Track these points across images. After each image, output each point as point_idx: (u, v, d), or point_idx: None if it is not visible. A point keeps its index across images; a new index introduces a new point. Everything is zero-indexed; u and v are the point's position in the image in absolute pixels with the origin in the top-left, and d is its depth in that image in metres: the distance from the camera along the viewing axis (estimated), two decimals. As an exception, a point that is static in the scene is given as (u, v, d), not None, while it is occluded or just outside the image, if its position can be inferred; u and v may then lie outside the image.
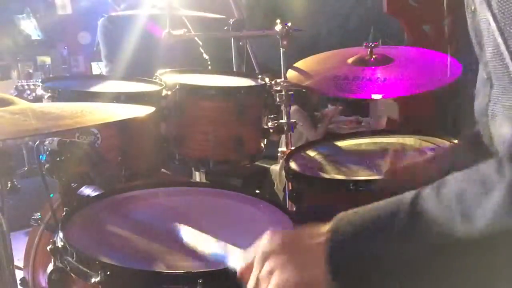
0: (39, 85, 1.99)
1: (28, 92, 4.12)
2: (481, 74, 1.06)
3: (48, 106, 1.49)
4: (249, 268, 0.91)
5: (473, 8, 1.02)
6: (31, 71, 5.64)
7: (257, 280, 0.88)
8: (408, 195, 0.81)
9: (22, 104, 1.29)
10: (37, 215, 1.83)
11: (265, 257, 0.87)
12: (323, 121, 3.82)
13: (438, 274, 0.77)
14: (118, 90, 2.04)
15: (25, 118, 1.16)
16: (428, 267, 0.77)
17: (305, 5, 4.34)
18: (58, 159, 1.46)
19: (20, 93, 4.13)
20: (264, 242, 0.89)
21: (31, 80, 4.54)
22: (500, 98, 0.96)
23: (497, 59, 0.91)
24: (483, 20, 0.95)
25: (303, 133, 3.61)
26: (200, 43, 3.40)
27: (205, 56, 3.46)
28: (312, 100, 3.85)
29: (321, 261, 0.81)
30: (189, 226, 1.34)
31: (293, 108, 2.28)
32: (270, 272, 0.85)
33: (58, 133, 1.46)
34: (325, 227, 0.86)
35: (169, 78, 2.13)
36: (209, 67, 3.36)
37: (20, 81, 4.60)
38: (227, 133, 2.03)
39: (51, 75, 5.35)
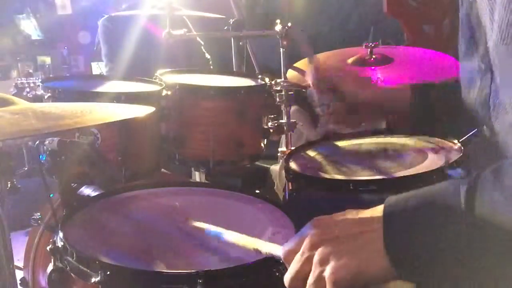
0: (39, 85, 1.99)
1: (28, 90, 4.12)
2: (474, 66, 1.05)
3: (48, 106, 1.49)
4: (294, 252, 0.88)
5: None
6: (31, 71, 5.65)
7: (302, 267, 0.85)
8: (462, 181, 0.79)
9: (22, 104, 1.29)
10: (37, 215, 1.83)
11: (316, 245, 0.84)
12: (322, 121, 3.81)
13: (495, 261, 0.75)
14: (118, 90, 2.04)
15: (25, 118, 1.16)
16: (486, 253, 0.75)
17: (305, 5, 4.34)
18: (58, 159, 1.47)
19: (19, 91, 4.13)
20: (312, 229, 0.86)
21: (31, 78, 4.54)
22: (503, 89, 0.96)
23: (502, 48, 0.90)
24: (485, 8, 0.94)
25: (303, 133, 3.60)
26: (202, 43, 3.41)
27: (207, 56, 3.45)
28: (313, 101, 3.84)
29: (379, 248, 0.80)
30: (189, 226, 1.34)
31: (293, 108, 2.28)
32: (324, 260, 0.82)
33: (58, 133, 1.46)
34: (374, 212, 0.84)
35: (169, 78, 2.13)
36: (211, 67, 3.37)
37: (20, 78, 4.60)
38: (227, 133, 2.03)
39: (51, 75, 5.35)
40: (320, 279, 0.82)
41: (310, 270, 0.84)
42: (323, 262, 0.82)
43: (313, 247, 0.84)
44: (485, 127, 1.06)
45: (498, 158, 1.01)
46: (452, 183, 0.80)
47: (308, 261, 0.85)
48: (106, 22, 3.49)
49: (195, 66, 2.92)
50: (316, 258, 0.83)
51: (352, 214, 0.88)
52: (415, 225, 0.79)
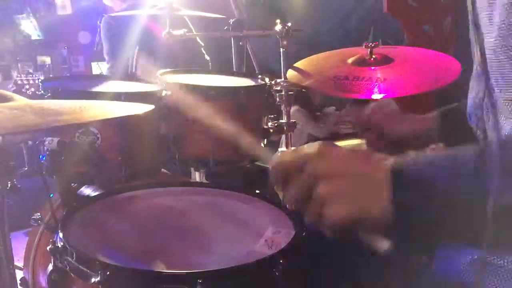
0: (39, 84, 1.99)
1: (27, 87, 4.12)
2: (474, 68, 1.06)
3: (47, 103, 1.49)
4: (284, 168, 0.86)
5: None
6: (31, 71, 5.65)
7: (302, 192, 0.83)
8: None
9: (21, 100, 1.29)
10: (37, 215, 1.83)
11: (321, 179, 0.81)
12: (327, 121, 3.81)
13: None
14: (118, 90, 2.04)
15: (23, 114, 1.16)
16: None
17: (305, 5, 4.34)
18: (58, 159, 1.46)
19: (18, 87, 4.13)
20: (313, 152, 0.83)
21: (30, 75, 4.54)
22: (498, 90, 0.96)
23: (500, 49, 0.90)
24: (484, 9, 0.95)
25: (303, 133, 3.60)
26: (202, 44, 3.41)
27: (207, 57, 3.45)
28: (314, 100, 3.85)
29: (384, 196, 0.78)
30: (189, 226, 1.34)
31: (294, 108, 2.28)
32: (327, 198, 0.80)
33: (57, 128, 1.46)
34: (385, 159, 0.82)
35: (169, 78, 2.13)
36: (210, 69, 3.36)
37: (19, 75, 4.61)
38: (227, 133, 2.02)
39: (51, 75, 5.35)
40: (319, 214, 0.81)
41: (309, 196, 0.82)
42: (326, 199, 0.81)
43: (318, 180, 0.81)
44: (478, 131, 1.06)
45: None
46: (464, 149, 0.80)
47: (308, 189, 0.82)
48: (108, 20, 3.50)
49: (194, 67, 2.92)
50: (319, 192, 0.81)
51: (360, 152, 0.86)
52: (424, 180, 0.78)
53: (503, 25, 0.89)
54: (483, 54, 0.98)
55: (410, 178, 0.79)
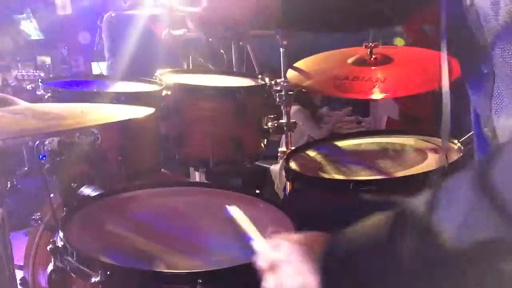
0: (39, 79, 1.99)
1: (27, 82, 4.12)
2: (476, 68, 1.05)
3: (48, 106, 1.49)
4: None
5: (468, 3, 1.01)
6: (31, 71, 5.64)
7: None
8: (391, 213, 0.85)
9: (22, 104, 1.29)
10: (37, 215, 1.83)
11: (273, 265, 0.95)
12: (328, 121, 3.82)
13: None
14: (118, 90, 2.04)
15: (25, 118, 1.16)
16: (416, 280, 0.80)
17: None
18: (58, 159, 1.47)
19: (19, 82, 4.13)
20: (277, 248, 0.96)
21: (31, 71, 4.54)
22: (505, 91, 0.96)
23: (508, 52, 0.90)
24: (487, 9, 0.94)
25: (304, 133, 3.61)
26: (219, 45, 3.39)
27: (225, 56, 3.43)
28: (315, 100, 3.85)
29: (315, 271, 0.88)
30: (189, 226, 1.35)
31: (294, 108, 2.28)
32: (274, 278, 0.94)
33: (58, 133, 1.46)
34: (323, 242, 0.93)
35: (169, 78, 2.13)
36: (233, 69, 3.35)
37: (20, 71, 4.60)
38: (227, 133, 2.03)
39: (51, 75, 5.35)
40: None
41: None
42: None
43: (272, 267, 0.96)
44: (486, 128, 1.06)
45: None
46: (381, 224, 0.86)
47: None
48: (110, 18, 3.51)
49: (215, 67, 2.91)
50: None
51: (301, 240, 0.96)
52: (347, 261, 0.87)
53: (507, 24, 0.89)
54: (488, 55, 0.98)
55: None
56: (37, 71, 4.79)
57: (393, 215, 0.85)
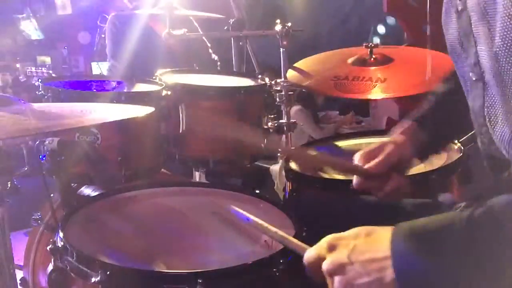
0: (40, 81, 2.00)
1: (36, 78, 4.14)
2: (466, 75, 1.05)
3: (48, 106, 1.49)
4: (313, 263, 0.98)
5: (460, 8, 1.01)
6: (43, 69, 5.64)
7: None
8: (461, 215, 0.87)
9: (22, 104, 1.29)
10: (37, 215, 1.83)
11: (332, 273, 0.93)
12: (329, 123, 3.82)
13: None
14: (118, 90, 2.04)
15: (25, 118, 1.16)
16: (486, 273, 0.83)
17: (305, 5, 4.34)
18: (58, 159, 1.46)
19: (28, 79, 4.16)
20: (328, 251, 0.95)
21: (40, 68, 4.55)
22: (499, 99, 0.95)
23: (504, 58, 0.90)
24: (480, 17, 0.93)
25: (304, 133, 3.60)
26: (209, 44, 3.40)
27: (215, 57, 3.44)
28: (316, 101, 3.85)
29: (390, 278, 0.88)
30: (189, 226, 1.35)
31: (295, 108, 2.28)
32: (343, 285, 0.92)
33: (58, 133, 1.46)
34: (384, 235, 0.91)
35: (169, 78, 2.13)
36: (219, 68, 3.36)
37: (29, 68, 4.63)
38: (227, 133, 2.03)
39: (53, 74, 5.35)
40: None
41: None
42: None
43: (330, 274, 0.94)
44: (482, 135, 1.05)
45: (497, 165, 1.01)
46: (454, 220, 0.87)
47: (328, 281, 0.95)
48: (113, 19, 3.51)
49: (201, 67, 2.91)
50: (334, 285, 0.93)
51: (363, 237, 0.94)
52: (422, 260, 0.87)
53: (507, 33, 0.88)
54: (477, 63, 0.98)
55: (409, 265, 0.88)
56: (45, 68, 4.80)
57: (466, 221, 0.85)
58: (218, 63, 3.38)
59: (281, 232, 1.12)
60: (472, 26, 0.97)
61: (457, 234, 0.85)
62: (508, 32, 0.88)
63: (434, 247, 0.86)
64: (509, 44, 0.88)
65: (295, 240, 1.10)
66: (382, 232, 0.92)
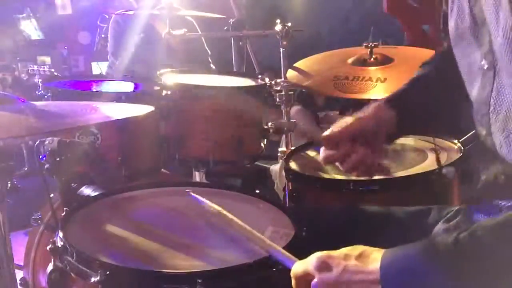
0: (40, 81, 2.00)
1: (38, 76, 4.14)
2: (475, 64, 1.05)
3: (48, 106, 1.49)
4: (300, 280, 0.98)
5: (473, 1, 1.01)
6: (33, 67, 5.64)
7: None
8: (446, 239, 0.88)
9: (22, 103, 1.29)
10: (37, 215, 1.83)
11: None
12: (329, 123, 3.80)
13: None
14: (118, 90, 2.05)
15: (25, 117, 1.16)
16: None
17: (305, 5, 4.34)
18: (58, 159, 1.46)
19: (30, 77, 4.16)
20: (317, 272, 0.95)
21: (42, 66, 4.56)
22: (508, 88, 0.95)
23: (508, 48, 0.90)
24: (490, 6, 0.94)
25: (304, 132, 3.60)
26: (209, 52, 3.41)
27: (208, 51, 3.44)
28: (317, 101, 3.84)
29: None
30: (189, 226, 1.34)
31: (295, 108, 2.28)
32: None
33: (58, 133, 1.46)
34: (374, 259, 0.92)
35: (169, 78, 2.13)
36: (211, 64, 3.36)
37: (31, 66, 4.63)
38: (227, 133, 2.03)
39: (55, 73, 5.34)
40: None
41: None
42: None
43: None
44: (481, 127, 1.05)
45: (494, 159, 1.01)
46: (440, 246, 0.89)
47: None
48: (117, 18, 3.52)
49: (195, 63, 2.92)
50: None
51: (353, 258, 0.94)
52: (409, 284, 0.89)
53: (508, 27, 0.88)
54: (490, 50, 0.98)
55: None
56: (48, 66, 4.80)
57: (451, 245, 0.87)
58: (210, 60, 3.39)
59: (245, 227, 1.15)
60: (487, 14, 0.97)
61: (443, 260, 0.86)
62: (507, 25, 0.88)
63: (422, 273, 0.88)
64: (509, 36, 0.88)
65: (259, 237, 1.14)
66: (372, 254, 0.93)
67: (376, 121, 1.34)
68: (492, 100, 1.00)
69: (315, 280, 0.95)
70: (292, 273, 1.00)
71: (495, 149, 1.01)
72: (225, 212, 1.25)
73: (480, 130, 1.06)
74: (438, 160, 1.70)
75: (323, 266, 0.95)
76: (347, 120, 1.37)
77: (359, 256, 0.94)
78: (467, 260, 0.85)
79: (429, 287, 0.87)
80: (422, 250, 0.90)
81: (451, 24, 1.11)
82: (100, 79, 2.49)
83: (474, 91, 1.06)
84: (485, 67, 1.00)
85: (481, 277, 0.84)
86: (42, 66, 4.46)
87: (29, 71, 4.23)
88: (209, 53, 3.44)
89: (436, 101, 1.31)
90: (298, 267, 1.00)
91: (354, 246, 0.96)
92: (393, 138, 1.41)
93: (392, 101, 1.39)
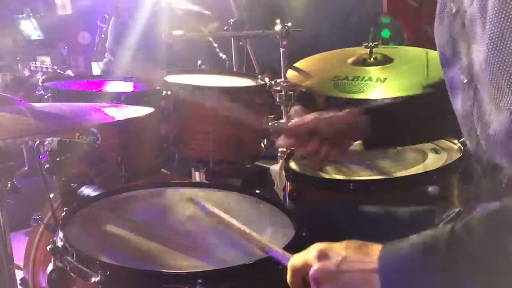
0: (40, 81, 2.00)
1: (41, 74, 4.15)
2: (456, 78, 1.05)
3: (48, 106, 1.49)
4: (297, 271, 0.99)
5: (454, 10, 1.01)
6: (35, 64, 5.64)
7: None
8: (443, 229, 0.90)
9: (22, 104, 1.29)
10: (37, 215, 1.83)
11: (319, 282, 0.95)
12: None
13: None
14: (118, 90, 2.05)
15: (25, 118, 1.16)
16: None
17: (305, 5, 4.34)
18: (58, 159, 1.46)
19: (32, 74, 4.17)
20: (316, 260, 0.95)
21: (45, 63, 4.56)
22: (489, 99, 0.95)
23: (493, 59, 0.90)
24: (476, 18, 0.93)
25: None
26: (216, 45, 3.41)
27: (222, 55, 3.44)
28: (318, 100, 3.84)
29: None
30: (189, 226, 1.34)
31: (295, 108, 2.27)
32: None
33: (58, 133, 1.46)
34: (373, 250, 0.93)
35: (169, 78, 2.13)
36: (227, 67, 3.36)
37: (34, 62, 4.64)
38: (227, 133, 2.03)
39: (58, 70, 5.35)
40: None
41: None
42: None
43: (317, 282, 0.95)
44: (469, 140, 1.06)
45: (489, 167, 1.01)
46: (438, 237, 0.90)
47: None
48: (120, 18, 3.52)
49: (210, 67, 2.92)
50: None
51: (353, 248, 0.96)
52: (406, 274, 0.90)
53: (495, 35, 0.88)
54: (470, 64, 0.98)
55: (395, 277, 0.91)
56: (51, 64, 4.81)
57: (448, 234, 0.88)
58: (227, 62, 3.38)
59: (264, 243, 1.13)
60: (466, 28, 0.97)
61: (439, 251, 0.88)
62: (497, 32, 0.88)
63: (419, 264, 0.89)
64: (497, 45, 0.88)
65: (256, 238, 1.14)
66: (373, 246, 0.94)
67: (341, 120, 1.45)
68: (475, 112, 1.00)
69: (314, 268, 0.95)
70: (289, 265, 1.00)
71: (489, 158, 1.01)
72: (222, 215, 1.25)
73: (470, 142, 1.06)
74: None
75: (323, 255, 0.95)
76: (310, 115, 1.48)
77: (359, 247, 0.95)
78: (462, 251, 0.86)
79: (426, 277, 0.87)
80: (421, 241, 0.91)
81: (437, 42, 1.12)
82: (100, 79, 2.49)
83: (458, 105, 1.07)
84: (465, 81, 1.01)
85: (477, 266, 0.85)
86: (45, 63, 4.47)
87: (31, 68, 4.23)
88: (224, 57, 3.43)
89: (419, 121, 1.37)
90: (297, 258, 1.00)
91: (355, 241, 0.97)
92: (372, 142, 1.46)
93: (370, 109, 1.48)
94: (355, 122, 1.43)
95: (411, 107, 1.44)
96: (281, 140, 1.45)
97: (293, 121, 1.47)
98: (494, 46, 0.88)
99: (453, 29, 1.02)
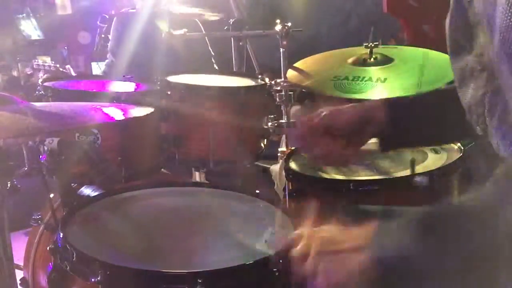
0: (40, 81, 2.00)
1: (43, 72, 4.16)
2: (467, 65, 1.05)
3: (48, 106, 1.49)
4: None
5: None
6: (34, 65, 5.65)
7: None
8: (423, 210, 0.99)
9: (22, 103, 1.29)
10: (37, 215, 1.83)
11: (318, 258, 1.01)
12: None
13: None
14: (118, 90, 2.05)
15: (25, 117, 1.16)
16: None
17: (305, 5, 4.34)
18: (58, 159, 1.46)
19: (35, 71, 4.19)
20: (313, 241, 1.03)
21: (47, 62, 4.56)
22: (501, 88, 0.95)
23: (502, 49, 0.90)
24: (487, 7, 0.93)
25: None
26: (213, 53, 3.42)
27: (212, 52, 3.44)
28: (317, 101, 3.84)
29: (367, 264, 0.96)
30: (189, 226, 1.35)
31: (296, 107, 2.27)
32: (322, 271, 0.99)
33: (58, 132, 1.46)
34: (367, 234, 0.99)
35: (170, 78, 2.13)
36: (214, 65, 3.36)
37: (36, 60, 4.65)
38: (227, 133, 2.03)
39: (63, 69, 5.36)
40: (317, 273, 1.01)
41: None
42: (321, 271, 1.00)
43: (315, 259, 1.01)
44: (478, 127, 1.05)
45: (494, 160, 1.01)
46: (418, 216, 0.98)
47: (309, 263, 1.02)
48: (121, 18, 3.52)
49: (198, 64, 2.92)
50: (317, 266, 1.00)
51: (352, 233, 1.03)
52: (392, 251, 0.97)
53: (503, 28, 0.88)
54: (484, 52, 0.98)
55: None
56: (53, 62, 4.81)
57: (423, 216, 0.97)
58: (213, 60, 3.38)
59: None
60: (480, 15, 0.97)
61: (414, 228, 0.96)
62: (507, 21, 0.88)
63: (400, 242, 0.96)
64: (505, 38, 0.88)
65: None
66: (368, 227, 1.01)
67: (356, 113, 1.36)
68: (487, 100, 1.00)
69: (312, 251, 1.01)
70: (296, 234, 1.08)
71: (494, 149, 1.01)
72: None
73: (477, 130, 1.06)
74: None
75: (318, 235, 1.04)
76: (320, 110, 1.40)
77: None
78: (432, 231, 0.93)
79: (407, 255, 0.93)
80: (407, 220, 0.99)
81: (446, 27, 1.11)
82: (100, 79, 2.49)
83: (469, 93, 1.06)
84: (479, 68, 1.01)
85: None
86: (46, 62, 4.47)
87: (34, 66, 4.24)
88: (213, 54, 3.43)
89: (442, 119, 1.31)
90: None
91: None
92: (388, 141, 1.40)
93: (391, 101, 1.39)
94: (371, 115, 1.34)
95: (440, 102, 1.33)
96: (291, 140, 1.45)
97: (301, 119, 1.41)
98: (502, 40, 0.88)
99: (468, 15, 1.02)
